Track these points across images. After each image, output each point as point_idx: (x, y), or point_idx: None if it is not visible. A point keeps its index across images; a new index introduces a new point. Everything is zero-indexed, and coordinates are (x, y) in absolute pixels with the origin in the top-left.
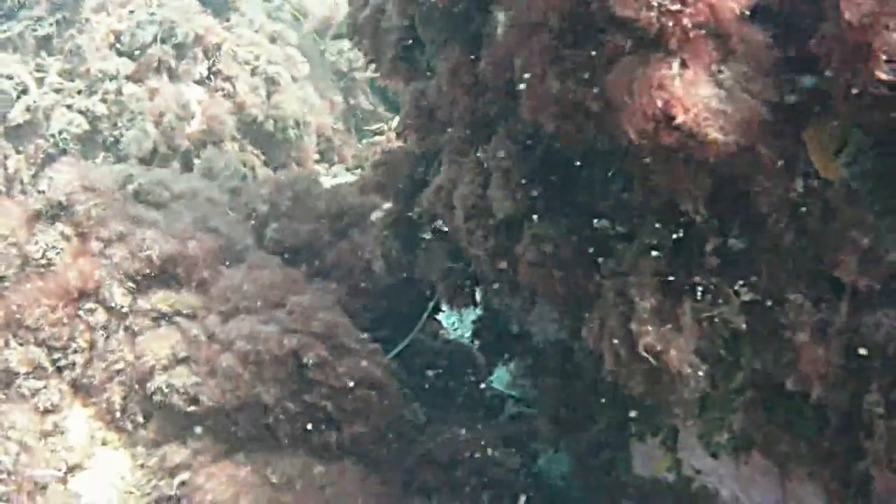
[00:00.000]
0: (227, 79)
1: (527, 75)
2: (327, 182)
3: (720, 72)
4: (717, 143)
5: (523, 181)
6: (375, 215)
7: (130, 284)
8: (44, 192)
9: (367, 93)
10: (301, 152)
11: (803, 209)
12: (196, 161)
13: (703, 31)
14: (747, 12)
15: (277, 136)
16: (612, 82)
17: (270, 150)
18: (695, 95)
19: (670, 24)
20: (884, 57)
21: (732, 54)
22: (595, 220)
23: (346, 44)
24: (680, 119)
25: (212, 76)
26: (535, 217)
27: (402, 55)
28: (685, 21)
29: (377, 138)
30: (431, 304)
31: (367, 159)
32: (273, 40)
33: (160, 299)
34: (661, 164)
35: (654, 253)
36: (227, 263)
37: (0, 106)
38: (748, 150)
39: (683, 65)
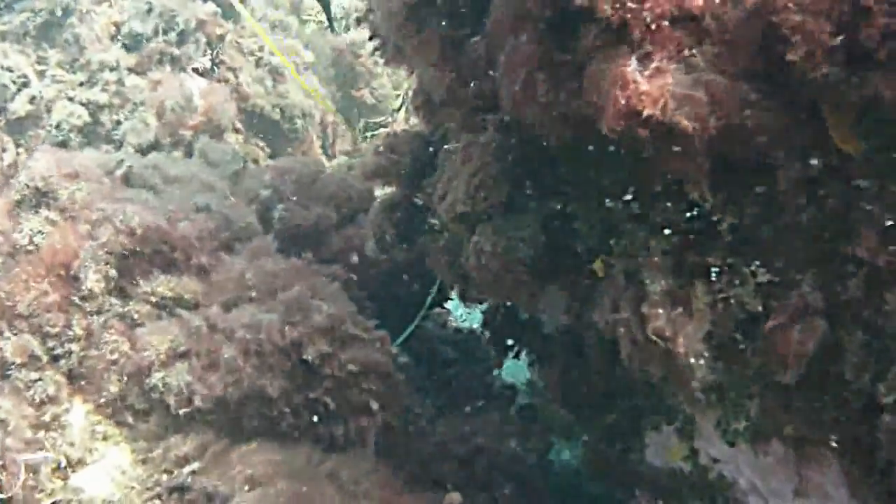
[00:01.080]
0: (231, 70)
1: (510, 74)
2: None
3: (692, 55)
4: (688, 129)
5: (491, 177)
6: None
7: (113, 271)
8: (22, 181)
9: (372, 86)
10: (306, 144)
11: (822, 185)
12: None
13: (668, 21)
14: None
15: (284, 127)
16: (586, 80)
17: (275, 142)
18: (661, 86)
19: (628, 16)
20: (796, 38)
21: (707, 34)
22: (607, 201)
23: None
24: (646, 113)
25: (216, 67)
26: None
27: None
28: (646, 15)
29: (381, 131)
30: (435, 289)
31: (367, 150)
32: (274, 28)
33: (161, 283)
34: (656, 152)
35: (665, 231)
36: (229, 244)
37: None
38: (739, 129)
39: (647, 56)
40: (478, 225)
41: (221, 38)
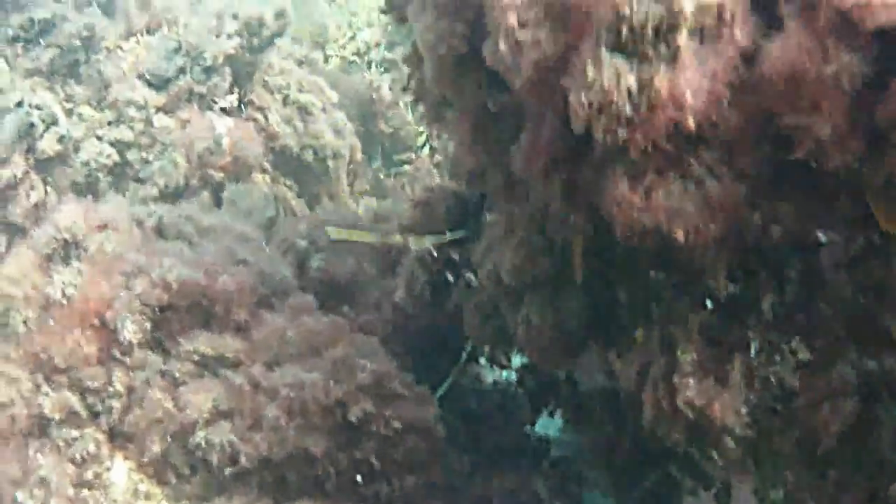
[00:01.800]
0: (259, 109)
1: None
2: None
3: (689, 164)
4: (682, 239)
5: (536, 251)
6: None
7: (148, 323)
8: (49, 233)
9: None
10: (334, 184)
11: (863, 263)
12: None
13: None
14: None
15: (316, 168)
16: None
17: (303, 181)
18: (654, 200)
19: (621, 142)
20: (799, 138)
21: (704, 142)
22: (651, 273)
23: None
24: (642, 229)
25: (243, 106)
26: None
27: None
28: (638, 138)
29: (405, 167)
30: (469, 347)
31: (393, 189)
32: (301, 64)
33: (202, 342)
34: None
35: (708, 303)
36: (267, 299)
37: (21, 132)
38: (749, 224)
39: (643, 171)
40: (524, 295)
41: (249, 75)
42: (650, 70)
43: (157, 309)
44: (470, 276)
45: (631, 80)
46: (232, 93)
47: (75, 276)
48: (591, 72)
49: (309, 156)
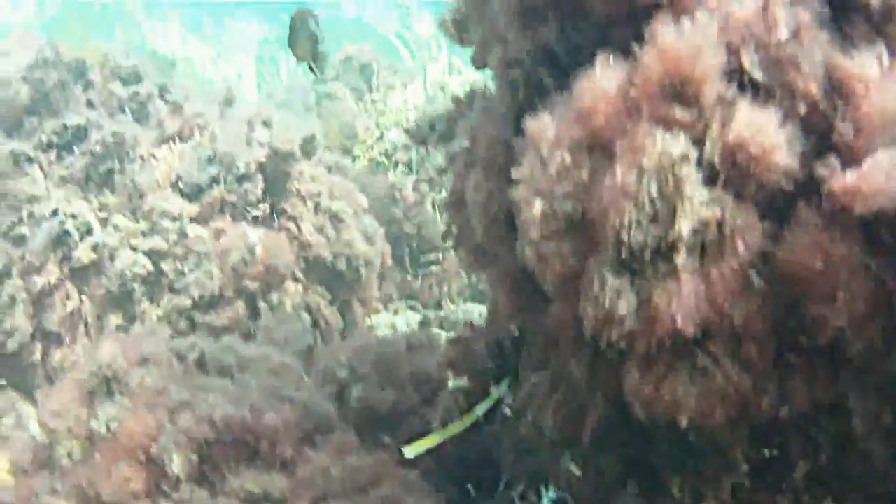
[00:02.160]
0: (292, 218)
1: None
2: (389, 319)
3: (695, 356)
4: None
5: (580, 409)
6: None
7: (194, 456)
8: (90, 370)
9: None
10: (366, 291)
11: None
12: (261, 304)
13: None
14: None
15: (348, 276)
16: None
17: (335, 289)
18: (662, 391)
19: (623, 346)
20: (818, 327)
21: (708, 337)
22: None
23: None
24: (653, 415)
25: (275, 215)
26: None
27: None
28: (641, 346)
29: (433, 268)
30: (506, 478)
31: (420, 292)
32: (330, 170)
33: (248, 479)
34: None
35: (743, 467)
36: (310, 435)
37: (55, 240)
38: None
39: (652, 365)
40: (565, 450)
41: (281, 182)
42: (649, 288)
43: (203, 444)
44: (506, 409)
45: (631, 300)
46: (264, 201)
47: (119, 410)
48: (595, 288)
49: (342, 264)
